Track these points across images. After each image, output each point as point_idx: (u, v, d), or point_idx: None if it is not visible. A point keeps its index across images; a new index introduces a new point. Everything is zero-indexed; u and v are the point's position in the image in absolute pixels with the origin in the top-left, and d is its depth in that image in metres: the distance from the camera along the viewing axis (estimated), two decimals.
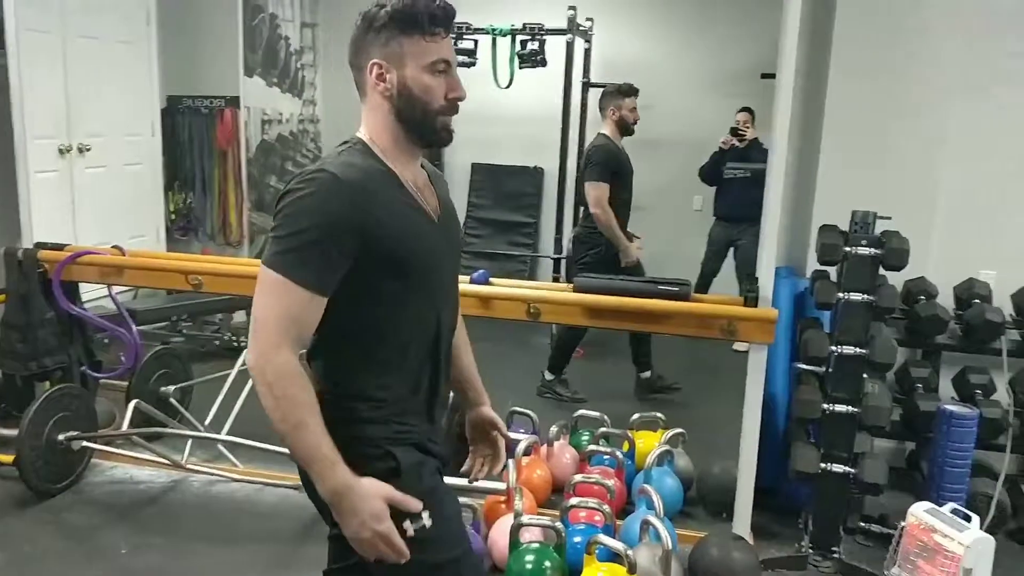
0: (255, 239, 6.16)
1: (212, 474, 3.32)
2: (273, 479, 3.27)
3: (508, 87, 5.60)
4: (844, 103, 3.52)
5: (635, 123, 4.42)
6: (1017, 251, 3.43)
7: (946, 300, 3.37)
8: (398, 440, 1.40)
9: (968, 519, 2.45)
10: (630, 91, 4.39)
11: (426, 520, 1.35)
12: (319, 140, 7.11)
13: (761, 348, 2.78)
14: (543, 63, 5.60)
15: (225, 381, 3.51)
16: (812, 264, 3.48)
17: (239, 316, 5.56)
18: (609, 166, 4.16)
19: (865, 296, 2.73)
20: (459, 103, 1.42)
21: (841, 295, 2.76)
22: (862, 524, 3.01)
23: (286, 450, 2.72)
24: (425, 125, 1.41)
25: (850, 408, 2.77)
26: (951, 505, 2.54)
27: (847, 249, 2.75)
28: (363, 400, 1.39)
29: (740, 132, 5.52)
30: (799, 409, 2.83)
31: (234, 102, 5.75)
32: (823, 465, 2.80)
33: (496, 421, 1.70)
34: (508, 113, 6.41)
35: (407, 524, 1.33)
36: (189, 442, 3.34)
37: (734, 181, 5.53)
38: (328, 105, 7.15)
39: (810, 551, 2.84)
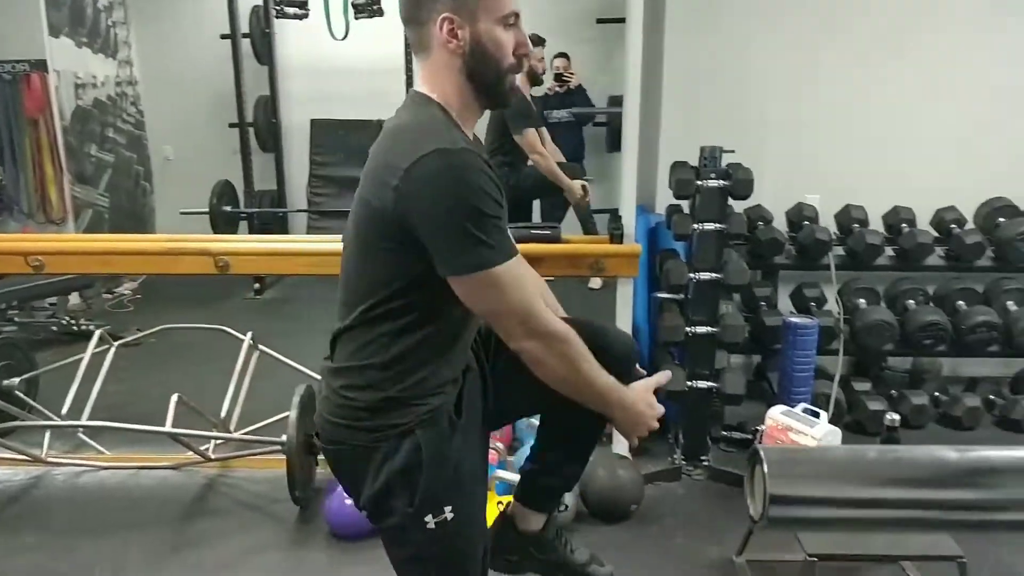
0: (80, 214, 5.69)
1: (77, 464, 3.13)
2: (147, 462, 3.13)
3: (344, 39, 5.44)
4: (680, 48, 3.73)
5: (543, 73, 4.48)
6: (836, 177, 3.82)
7: (780, 224, 3.72)
8: (427, 420, 1.36)
9: (817, 415, 2.76)
10: (538, 41, 4.41)
11: (448, 514, 1.36)
12: (139, 103, 6.63)
13: (627, 281, 2.96)
14: (380, 12, 5.49)
15: (77, 367, 3.28)
16: (661, 200, 3.73)
17: (75, 298, 5.17)
18: (528, 113, 4.11)
19: (717, 225, 2.96)
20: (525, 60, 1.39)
21: (696, 226, 2.98)
22: (724, 433, 3.32)
23: (161, 429, 2.70)
24: (498, 85, 1.36)
25: (710, 329, 3.02)
26: (802, 405, 2.85)
27: (699, 183, 2.96)
28: (401, 380, 1.35)
29: (565, 78, 5.68)
30: (665, 334, 3.05)
31: (41, 66, 5.22)
32: (689, 383, 3.05)
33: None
34: (348, 66, 6.25)
35: (428, 517, 1.35)
36: (47, 433, 3.12)
37: (559, 126, 5.66)
38: (146, 65, 6.65)
39: (682, 462, 3.10)
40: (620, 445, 3.03)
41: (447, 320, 1.36)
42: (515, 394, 1.53)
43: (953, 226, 3.61)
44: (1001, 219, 3.57)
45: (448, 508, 1.36)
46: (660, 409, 1.50)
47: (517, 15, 1.34)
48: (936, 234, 3.63)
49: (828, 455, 1.50)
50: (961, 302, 3.50)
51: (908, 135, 3.80)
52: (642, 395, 1.47)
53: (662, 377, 1.54)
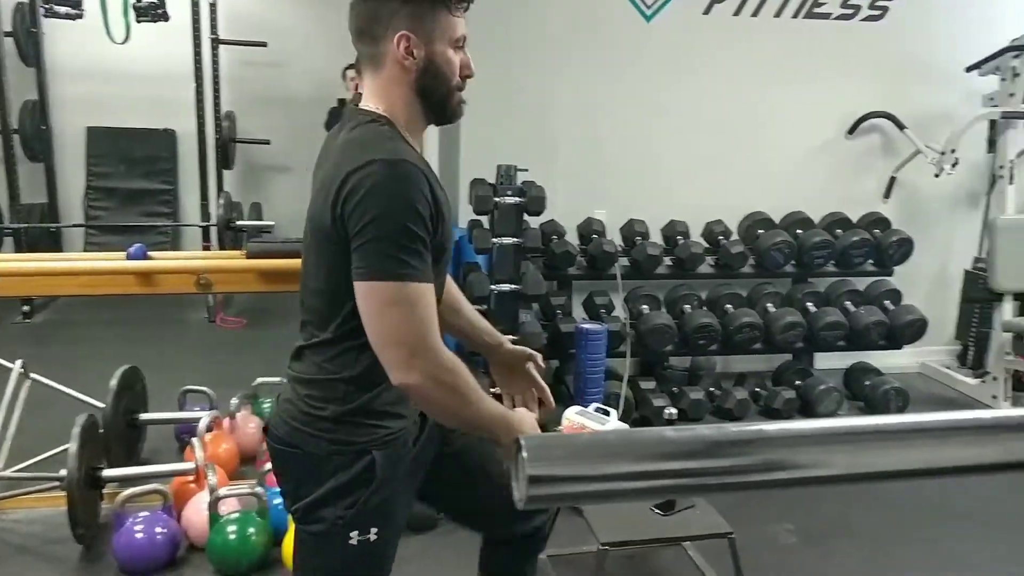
0: None
1: None
2: None
3: (125, 42, 5.09)
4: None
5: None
6: (620, 193, 4.14)
7: (572, 237, 3.97)
8: (387, 443, 1.38)
9: (608, 413, 2.97)
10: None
11: (372, 535, 1.37)
12: None
13: None
14: (164, 17, 5.19)
15: None
16: (463, 216, 3.85)
17: None
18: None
19: (514, 239, 3.11)
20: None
21: (495, 240, 3.11)
22: None
23: None
24: (446, 101, 1.39)
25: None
26: (595, 404, 3.06)
27: (496, 199, 3.10)
28: (368, 391, 1.36)
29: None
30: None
31: None
32: (493, 389, 3.17)
33: (528, 351, 1.70)
34: (129, 71, 5.84)
35: (354, 534, 1.36)
36: None
37: None
38: None
39: None
40: None
41: None
42: (455, 490, 1.63)
43: (720, 237, 4.03)
44: (760, 231, 4.04)
45: (374, 530, 1.37)
46: (538, 430, 1.47)
47: (465, 38, 1.39)
48: (707, 245, 4.03)
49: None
50: (729, 305, 3.91)
51: (682, 156, 4.21)
52: (527, 418, 1.43)
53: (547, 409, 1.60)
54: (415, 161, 1.29)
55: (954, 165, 3.99)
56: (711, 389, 3.93)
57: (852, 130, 4.35)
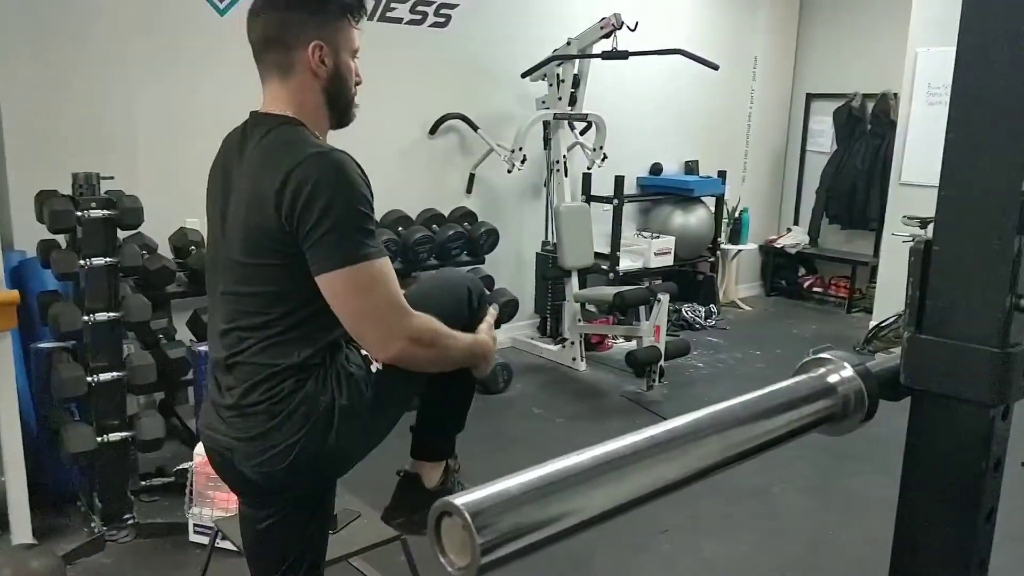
0: None
1: None
2: None
3: None
4: (17, 64, 3.24)
5: None
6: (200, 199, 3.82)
7: (164, 251, 3.55)
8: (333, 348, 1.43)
9: None
10: None
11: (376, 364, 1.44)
12: None
13: (5, 335, 2.45)
14: None
15: None
16: (18, 236, 3.21)
17: None
18: None
19: (108, 259, 2.67)
20: None
21: (83, 262, 2.63)
22: (145, 483, 3.04)
23: None
24: (347, 106, 1.51)
25: (116, 374, 2.71)
26: None
27: (80, 214, 2.62)
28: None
29: None
30: (64, 389, 2.63)
31: None
32: (100, 438, 2.69)
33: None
34: None
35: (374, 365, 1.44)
36: None
37: None
38: None
39: (103, 529, 2.73)
40: (21, 531, 2.50)
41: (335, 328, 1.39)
42: None
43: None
44: (435, 225, 4.10)
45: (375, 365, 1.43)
46: (496, 335, 1.63)
47: (358, 49, 1.49)
48: None
49: (520, 481, 1.47)
50: None
51: None
52: (487, 332, 1.58)
53: (493, 312, 1.66)
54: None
55: (523, 161, 4.50)
56: None
57: (433, 130, 4.63)
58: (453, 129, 4.74)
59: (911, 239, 4.98)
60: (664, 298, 4.15)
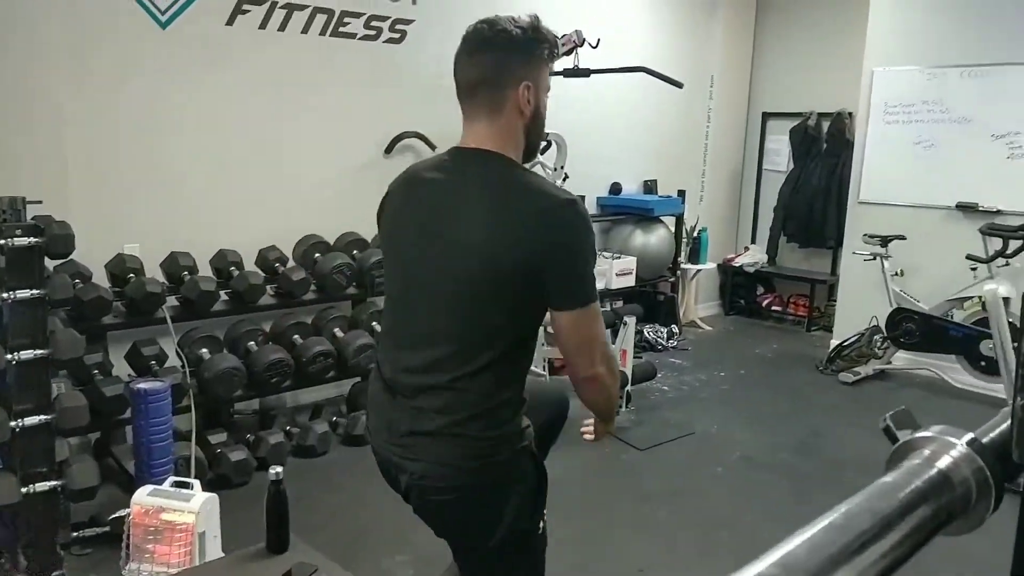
0: None
1: None
2: None
3: None
4: None
5: None
6: (154, 223, 3.59)
7: (100, 279, 3.30)
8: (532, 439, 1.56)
9: (190, 486, 2.51)
10: None
11: (544, 520, 1.60)
12: None
13: None
14: None
15: None
16: None
17: None
18: None
19: (34, 291, 2.43)
20: None
21: (7, 295, 2.38)
22: (76, 534, 2.78)
23: None
24: (538, 144, 1.57)
25: (44, 417, 2.46)
26: (171, 479, 2.57)
27: (2, 242, 2.37)
28: (522, 404, 1.53)
29: None
30: None
31: None
32: (25, 490, 2.44)
33: None
34: None
35: (541, 524, 1.58)
36: None
37: None
38: None
39: None
40: None
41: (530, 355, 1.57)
42: None
43: (278, 264, 3.76)
44: (318, 255, 3.87)
45: (544, 515, 1.59)
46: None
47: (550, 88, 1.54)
48: (264, 274, 3.72)
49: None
50: (297, 336, 3.67)
51: (216, 180, 3.82)
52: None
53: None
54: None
55: None
56: (288, 428, 3.65)
57: (389, 149, 4.46)
58: (410, 148, 4.57)
59: (872, 257, 4.97)
60: (631, 321, 4.03)
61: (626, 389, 4.06)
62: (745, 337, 6.12)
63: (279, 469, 2.21)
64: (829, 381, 5.02)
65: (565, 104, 4.92)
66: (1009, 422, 0.64)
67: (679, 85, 4.19)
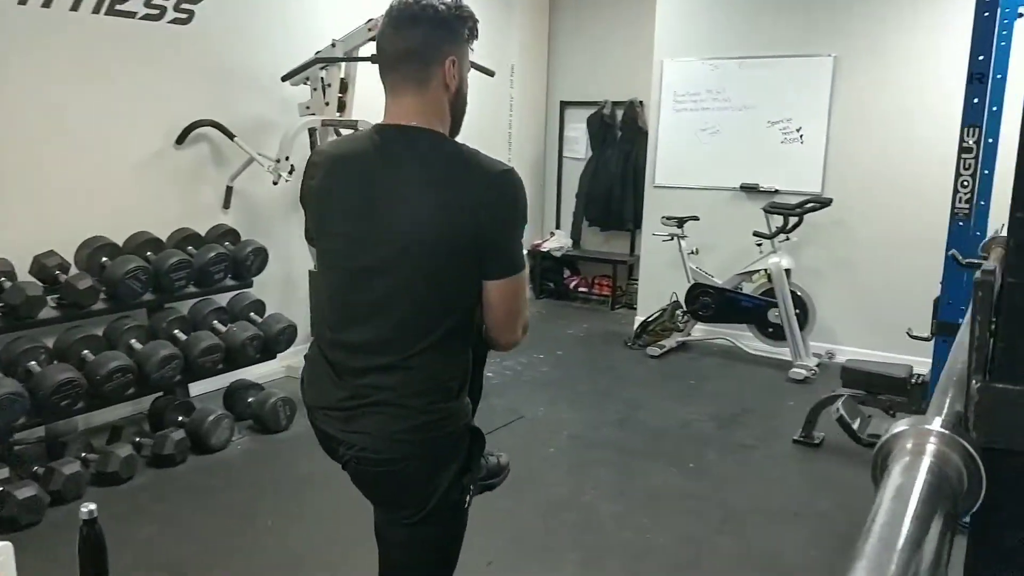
0: None
1: None
2: None
3: None
4: None
5: None
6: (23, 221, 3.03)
7: None
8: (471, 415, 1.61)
9: None
10: None
11: (470, 495, 1.61)
12: None
13: None
14: None
15: None
16: None
17: None
18: None
19: None
20: None
21: None
22: None
23: None
24: (461, 120, 1.56)
25: None
26: None
27: None
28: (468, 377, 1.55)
29: None
30: None
31: None
32: None
33: None
34: None
35: (468, 497, 1.59)
36: None
37: None
38: None
39: None
40: None
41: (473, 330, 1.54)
42: None
43: (58, 272, 3.31)
44: (106, 259, 3.45)
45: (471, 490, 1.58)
46: None
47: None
48: (42, 283, 3.26)
49: None
50: (87, 351, 3.26)
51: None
52: None
53: None
54: None
55: (291, 172, 4.10)
56: (84, 455, 3.23)
57: (181, 139, 4.07)
58: (204, 138, 4.21)
59: (670, 238, 5.29)
60: None
61: None
62: (557, 319, 6.31)
63: (92, 507, 1.93)
64: (638, 355, 5.29)
65: (374, 91, 4.78)
66: (963, 405, 0.64)
67: (490, 73, 4.18)
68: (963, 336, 0.90)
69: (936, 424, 0.61)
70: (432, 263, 1.43)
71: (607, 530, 3.03)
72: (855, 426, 3.17)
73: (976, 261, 1.68)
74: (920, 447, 0.58)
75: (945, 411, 0.67)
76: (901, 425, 0.61)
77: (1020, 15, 3.44)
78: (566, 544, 2.92)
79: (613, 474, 3.47)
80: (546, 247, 6.81)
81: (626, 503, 3.25)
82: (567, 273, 6.98)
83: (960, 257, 2.24)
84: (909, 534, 0.47)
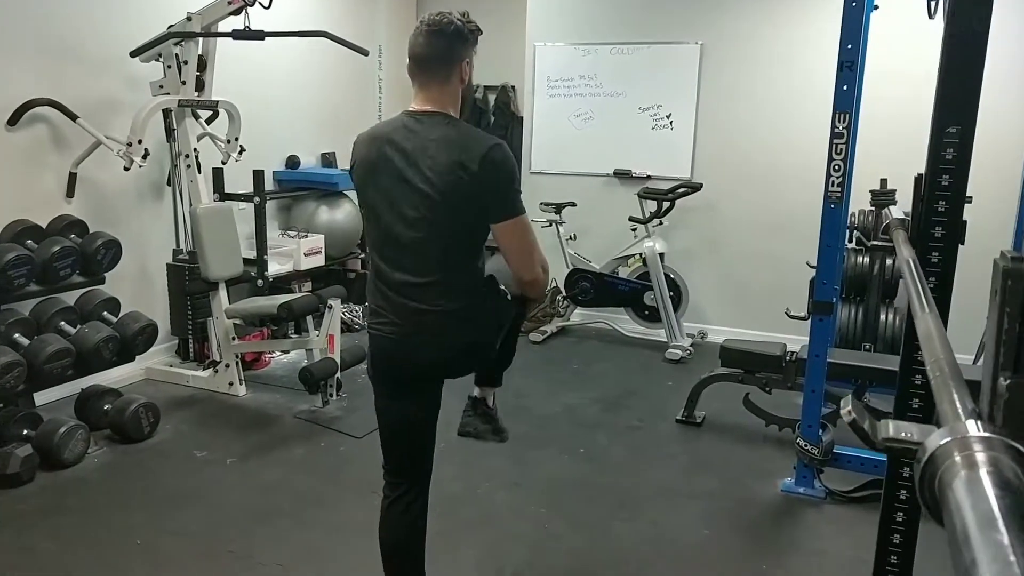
0: None
1: None
2: None
3: None
4: None
5: None
6: None
7: None
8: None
9: None
10: None
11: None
12: None
13: None
14: None
15: None
16: None
17: None
18: None
19: None
20: None
21: None
22: None
23: None
24: (471, 101, 2.13)
25: None
26: None
27: None
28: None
29: None
30: None
31: None
32: None
33: None
34: None
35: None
36: None
37: None
38: None
39: None
40: None
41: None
42: None
43: None
44: (30, 241, 3.03)
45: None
46: None
47: None
48: None
49: None
50: None
51: None
52: None
53: None
54: None
55: (144, 156, 3.75)
56: None
57: (13, 121, 3.62)
58: (42, 119, 3.77)
59: (548, 224, 5.28)
60: (336, 304, 3.79)
61: (336, 376, 3.82)
62: None
63: None
64: (521, 342, 5.21)
65: (233, 69, 4.46)
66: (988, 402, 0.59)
67: (364, 52, 3.98)
68: (924, 327, 0.87)
69: (975, 429, 0.55)
70: (453, 211, 1.90)
71: (505, 522, 2.97)
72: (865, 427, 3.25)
73: (881, 244, 1.73)
74: (970, 459, 0.53)
75: (962, 411, 0.62)
76: (938, 436, 0.55)
77: (876, 7, 3.65)
78: (465, 540, 2.83)
79: (506, 465, 3.41)
80: None
81: (522, 493, 3.19)
82: None
83: (866, 241, 2.32)
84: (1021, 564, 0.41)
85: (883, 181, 4.41)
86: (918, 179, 1.53)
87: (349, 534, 2.83)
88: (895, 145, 4.48)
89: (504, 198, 1.91)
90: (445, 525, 2.91)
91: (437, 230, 1.93)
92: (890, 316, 4.48)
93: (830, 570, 2.73)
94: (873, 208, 4.45)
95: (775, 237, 5.15)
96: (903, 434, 0.59)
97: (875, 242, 1.60)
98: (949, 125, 1.48)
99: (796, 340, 4.17)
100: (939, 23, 3.13)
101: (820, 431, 3.19)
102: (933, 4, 2.69)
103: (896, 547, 1.64)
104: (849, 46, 2.93)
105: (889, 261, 4.48)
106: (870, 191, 4.42)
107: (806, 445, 3.18)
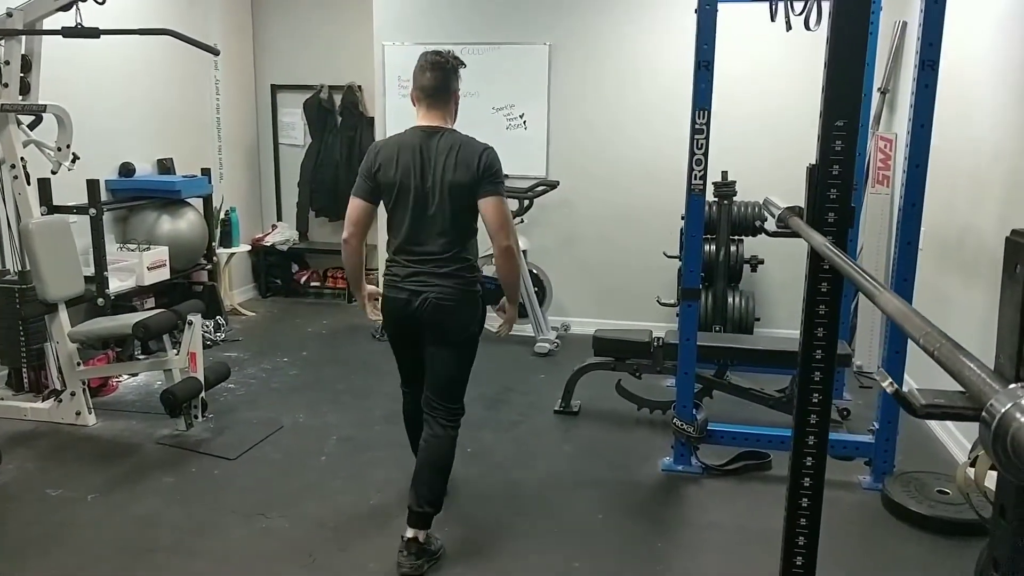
0: None
1: None
2: None
3: None
4: None
5: None
6: None
7: None
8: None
9: None
10: None
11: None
12: None
13: None
14: None
15: None
16: None
17: None
18: None
19: None
20: None
21: None
22: None
23: None
24: (455, 117, 2.75)
25: None
26: None
27: None
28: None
29: None
30: None
31: None
32: None
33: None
34: None
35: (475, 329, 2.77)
36: None
37: None
38: None
39: None
40: None
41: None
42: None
43: None
44: None
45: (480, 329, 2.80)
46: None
47: None
48: None
49: None
50: None
51: None
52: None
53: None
54: None
55: None
56: None
57: None
58: None
59: None
60: (197, 319, 3.55)
61: (200, 396, 3.59)
62: (292, 317, 5.95)
63: None
64: (388, 347, 5.16)
65: (59, 75, 4.07)
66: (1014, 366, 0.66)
67: (215, 52, 3.76)
68: (892, 306, 0.95)
69: None
70: (457, 199, 2.56)
71: (400, 530, 2.91)
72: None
73: (781, 230, 1.86)
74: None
75: (988, 376, 0.68)
76: (1001, 401, 0.61)
77: None
78: (363, 553, 2.75)
79: (395, 472, 3.34)
80: (269, 241, 6.39)
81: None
82: (296, 268, 6.61)
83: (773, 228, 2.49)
84: None
85: (724, 173, 4.75)
86: (811, 169, 1.66)
87: (239, 562, 2.67)
88: (733, 140, 4.81)
89: (491, 183, 2.58)
90: (340, 541, 2.82)
91: (451, 214, 2.59)
92: (737, 299, 4.82)
93: (719, 541, 2.90)
94: (716, 199, 4.78)
95: (624, 230, 5.39)
96: (938, 400, 0.64)
97: (775, 231, 1.72)
98: (837, 119, 1.62)
99: (656, 327, 4.41)
100: (767, 28, 3.41)
101: (694, 410, 3.39)
102: (811, 17, 2.96)
103: (804, 510, 1.77)
104: (705, 46, 3.12)
105: (733, 248, 4.82)
106: (713, 183, 4.73)
107: (682, 425, 3.36)
